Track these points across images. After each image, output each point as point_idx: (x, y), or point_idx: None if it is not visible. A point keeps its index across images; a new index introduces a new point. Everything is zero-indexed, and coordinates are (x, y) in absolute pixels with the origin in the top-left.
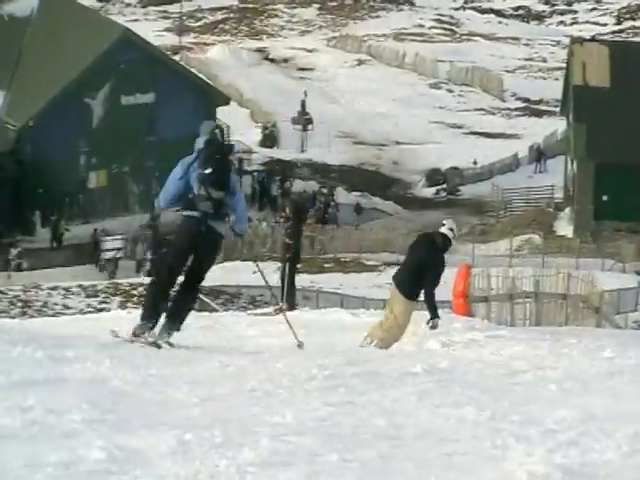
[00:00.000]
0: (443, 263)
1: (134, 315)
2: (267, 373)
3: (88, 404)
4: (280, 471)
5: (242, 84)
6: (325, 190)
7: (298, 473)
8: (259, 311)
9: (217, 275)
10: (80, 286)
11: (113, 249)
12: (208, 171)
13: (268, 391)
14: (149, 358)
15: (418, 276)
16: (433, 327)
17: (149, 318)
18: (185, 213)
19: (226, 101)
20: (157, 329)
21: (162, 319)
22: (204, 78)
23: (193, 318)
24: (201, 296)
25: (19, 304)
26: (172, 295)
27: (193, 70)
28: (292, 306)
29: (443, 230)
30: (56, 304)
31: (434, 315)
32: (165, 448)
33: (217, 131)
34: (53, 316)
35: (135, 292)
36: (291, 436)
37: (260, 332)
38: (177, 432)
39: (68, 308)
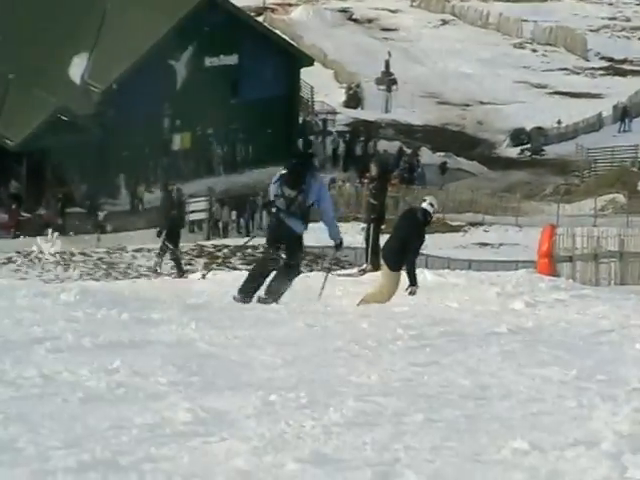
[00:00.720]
0: (423, 236)
1: (219, 277)
2: (352, 334)
3: (174, 366)
4: (365, 431)
5: (326, 45)
6: (409, 150)
7: (383, 433)
8: (344, 272)
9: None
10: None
11: (198, 211)
12: (283, 172)
13: (353, 352)
14: (234, 320)
15: (401, 251)
16: (411, 293)
17: (245, 295)
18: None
19: (310, 62)
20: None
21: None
22: (288, 39)
23: None
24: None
25: (103, 266)
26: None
27: (277, 31)
28: (376, 267)
29: (424, 205)
30: (140, 266)
31: (413, 283)
32: (251, 409)
33: (300, 140)
34: (137, 278)
35: (219, 254)
36: (376, 396)
37: (344, 293)
38: (262, 393)
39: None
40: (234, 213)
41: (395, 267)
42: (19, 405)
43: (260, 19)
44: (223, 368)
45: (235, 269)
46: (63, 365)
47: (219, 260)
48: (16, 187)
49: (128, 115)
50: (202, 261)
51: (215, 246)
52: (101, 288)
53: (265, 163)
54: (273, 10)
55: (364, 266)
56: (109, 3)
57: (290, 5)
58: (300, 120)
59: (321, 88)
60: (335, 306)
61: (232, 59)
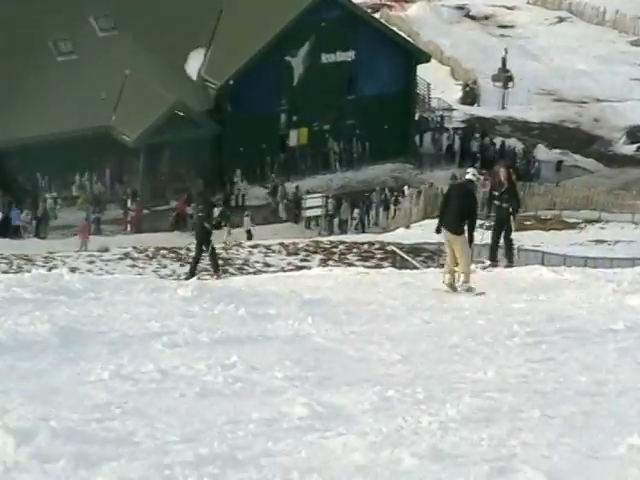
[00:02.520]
0: (476, 201)
1: (335, 273)
2: (469, 330)
3: (290, 361)
4: (482, 427)
5: (442, 41)
6: (525, 147)
7: (500, 429)
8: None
9: (417, 233)
10: (281, 244)
11: (314, 207)
12: None
13: (470, 348)
14: (351, 315)
15: (462, 217)
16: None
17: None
18: None
19: (426, 59)
20: None
21: None
22: (404, 35)
23: (396, 275)
24: (401, 253)
25: (220, 262)
26: None
27: (393, 27)
28: (495, 262)
29: (468, 177)
30: (257, 262)
31: (472, 240)
32: (367, 404)
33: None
34: (254, 274)
35: (335, 250)
36: (493, 392)
37: (461, 289)
38: (379, 389)
39: (269, 266)
40: (355, 211)
41: (460, 231)
42: (137, 399)
43: (377, 15)
44: (340, 363)
45: (351, 265)
46: (180, 360)
47: (335, 257)
48: (133, 183)
49: (244, 111)
50: (318, 257)
51: (331, 242)
52: (218, 284)
53: (382, 159)
54: (390, 7)
55: (486, 263)
56: None
57: (407, 2)
58: (416, 117)
59: (437, 85)
60: (452, 302)
61: (348, 55)
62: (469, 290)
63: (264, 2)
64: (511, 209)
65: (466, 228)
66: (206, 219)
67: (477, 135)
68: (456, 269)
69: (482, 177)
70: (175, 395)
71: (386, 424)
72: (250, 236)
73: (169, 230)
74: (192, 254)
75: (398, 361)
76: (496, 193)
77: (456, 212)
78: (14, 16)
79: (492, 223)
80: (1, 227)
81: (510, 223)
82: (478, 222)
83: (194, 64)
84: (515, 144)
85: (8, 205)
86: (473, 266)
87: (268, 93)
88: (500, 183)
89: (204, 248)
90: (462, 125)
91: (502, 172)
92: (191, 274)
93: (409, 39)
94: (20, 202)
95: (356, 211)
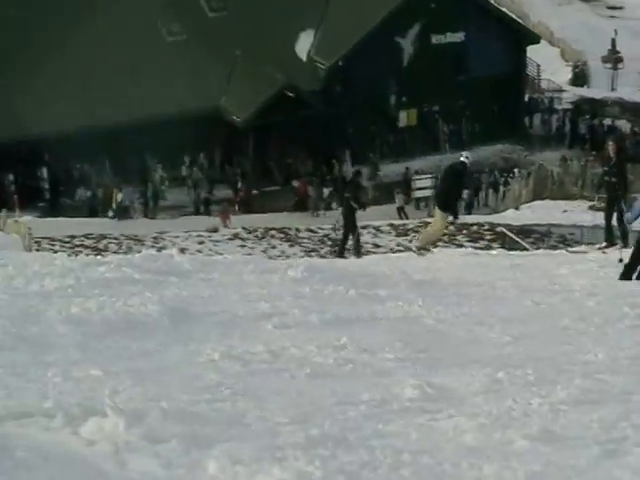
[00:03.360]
0: (462, 183)
1: (444, 255)
2: (579, 311)
3: (401, 342)
4: (593, 409)
5: (552, 22)
6: (635, 129)
7: (611, 411)
8: (577, 248)
9: (527, 214)
10: (391, 225)
11: (424, 188)
12: None
13: (580, 329)
14: (461, 297)
15: (448, 195)
16: (452, 223)
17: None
18: None
19: (536, 40)
20: None
21: None
22: (514, 17)
23: (505, 257)
24: (511, 235)
25: (329, 243)
26: None
27: (503, 9)
28: (612, 243)
29: (462, 159)
30: (366, 242)
31: (455, 216)
32: (478, 386)
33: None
34: (364, 254)
35: (445, 231)
36: (604, 374)
37: (571, 271)
38: (489, 370)
39: (378, 247)
40: (465, 191)
41: (444, 208)
42: (247, 380)
43: None
44: (450, 345)
45: (461, 246)
46: (290, 341)
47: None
48: (242, 163)
49: (354, 92)
50: None
51: None
52: (328, 265)
53: (491, 140)
54: None
55: (603, 244)
56: None
57: None
58: (526, 98)
59: (547, 66)
60: (562, 284)
61: (458, 36)
62: (415, 250)
63: None
64: (619, 191)
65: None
66: (353, 199)
67: (586, 117)
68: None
69: (592, 158)
70: (285, 376)
71: (496, 406)
72: (403, 214)
73: (290, 211)
74: (339, 234)
75: (508, 343)
76: (606, 168)
77: (442, 189)
78: None
79: (602, 204)
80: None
81: (620, 204)
82: (590, 203)
83: (304, 44)
84: (624, 125)
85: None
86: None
87: (378, 74)
88: (609, 158)
89: (350, 228)
90: (571, 107)
91: (611, 146)
92: (340, 254)
93: (519, 20)
94: (129, 182)
95: (465, 192)
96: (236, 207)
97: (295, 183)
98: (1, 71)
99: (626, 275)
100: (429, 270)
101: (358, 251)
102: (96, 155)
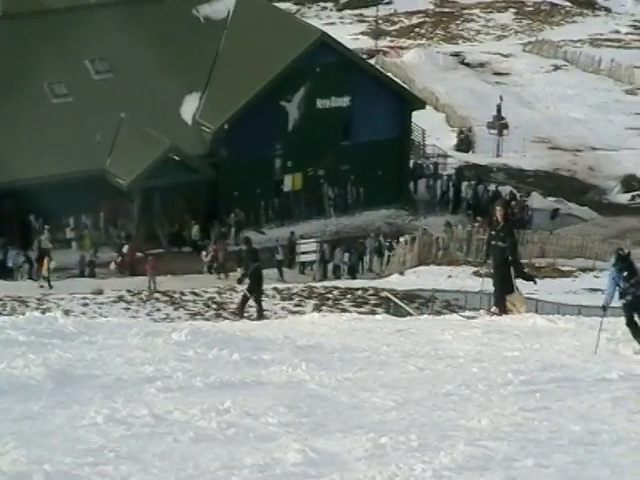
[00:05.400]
0: None
1: (328, 319)
2: (463, 377)
3: (284, 407)
4: (476, 476)
5: (438, 88)
6: (520, 195)
7: (494, 478)
8: (467, 314)
9: (412, 279)
10: (275, 289)
11: (309, 252)
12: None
13: (464, 395)
14: (345, 361)
15: None
16: None
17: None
18: None
19: (422, 105)
20: None
21: None
22: (400, 82)
23: (390, 322)
24: (395, 300)
25: (214, 306)
26: None
27: (389, 74)
28: (503, 311)
29: None
30: (251, 306)
31: None
32: (361, 452)
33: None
34: (247, 319)
35: (330, 295)
36: (487, 441)
37: (455, 336)
38: (373, 435)
39: (264, 311)
40: (345, 255)
41: None
42: (130, 444)
43: (372, 61)
44: (333, 410)
45: (345, 311)
46: (174, 405)
47: (329, 302)
48: (127, 226)
49: (239, 155)
50: (312, 302)
51: (325, 287)
52: (212, 328)
53: (376, 205)
54: (385, 53)
55: (493, 309)
56: (222, 43)
57: (402, 48)
58: (411, 163)
59: (433, 131)
60: (445, 349)
61: (344, 101)
62: None
63: (260, 47)
64: (510, 256)
65: None
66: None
67: (471, 182)
68: None
69: (477, 223)
70: (169, 440)
71: (380, 471)
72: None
73: (201, 272)
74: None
75: (392, 408)
76: (493, 233)
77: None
78: (10, 57)
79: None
80: None
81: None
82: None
83: (189, 108)
84: (509, 191)
85: (3, 247)
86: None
87: (263, 138)
88: (497, 222)
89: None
90: (456, 172)
91: (499, 211)
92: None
93: (404, 85)
94: (13, 244)
95: (346, 256)
96: (113, 268)
97: (210, 246)
98: None
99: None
100: (313, 335)
101: (261, 314)
102: None
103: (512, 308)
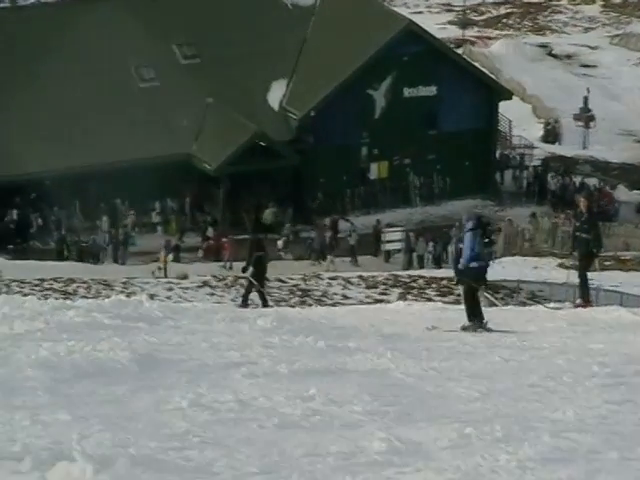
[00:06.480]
0: None
1: (414, 308)
2: (547, 369)
3: (369, 395)
4: (560, 467)
5: (524, 79)
6: (606, 187)
7: (578, 470)
8: (552, 305)
9: (497, 270)
10: (360, 277)
11: (394, 241)
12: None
13: (549, 387)
14: (430, 351)
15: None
16: None
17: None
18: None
19: (508, 96)
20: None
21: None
22: (487, 72)
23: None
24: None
25: (299, 293)
26: None
27: (476, 64)
28: (587, 301)
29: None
30: (335, 294)
31: None
32: (446, 441)
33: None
34: (332, 306)
35: (415, 284)
36: (571, 433)
37: (540, 328)
38: (458, 425)
39: (347, 298)
40: (430, 244)
41: None
42: (215, 429)
43: (459, 51)
44: (418, 399)
45: (430, 300)
46: (259, 391)
47: (414, 291)
48: (212, 211)
49: (326, 142)
50: (397, 291)
51: (410, 276)
52: (297, 315)
53: (462, 195)
54: (473, 43)
55: (578, 301)
56: (309, 30)
57: (490, 38)
58: (497, 154)
59: (519, 122)
60: (531, 341)
61: (430, 90)
62: None
63: (347, 34)
64: (594, 249)
65: None
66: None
67: (557, 174)
68: None
69: (563, 215)
70: (254, 426)
71: (464, 461)
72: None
73: (306, 258)
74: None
75: (477, 398)
76: (577, 224)
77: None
78: (98, 40)
79: (576, 261)
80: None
81: (590, 259)
82: (560, 260)
83: (276, 94)
84: (595, 183)
85: (88, 229)
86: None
87: (349, 125)
88: (581, 214)
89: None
90: (542, 163)
91: (582, 202)
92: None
93: (491, 76)
94: (99, 227)
95: (430, 244)
96: (201, 254)
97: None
98: None
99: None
100: (399, 323)
101: (265, 304)
102: (66, 199)
103: None
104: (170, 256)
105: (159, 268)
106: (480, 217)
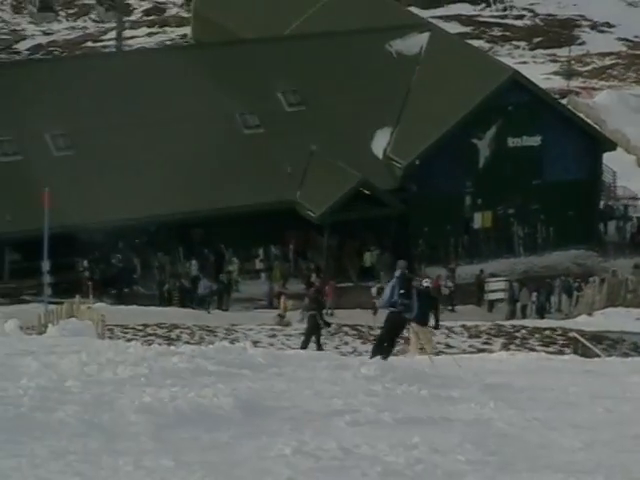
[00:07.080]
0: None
1: (516, 358)
2: None
3: (472, 444)
4: None
5: (629, 130)
6: None
7: None
8: None
9: (600, 320)
10: (463, 326)
11: (497, 290)
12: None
13: None
14: (533, 400)
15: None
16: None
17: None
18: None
19: (612, 146)
20: None
21: None
22: (591, 122)
23: (578, 362)
24: (583, 340)
25: (400, 341)
26: None
27: (580, 114)
28: None
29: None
30: (439, 343)
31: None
32: None
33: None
34: (436, 355)
35: (517, 334)
36: None
37: None
38: (561, 476)
39: (450, 347)
40: (533, 294)
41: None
42: (318, 477)
43: (564, 101)
44: (521, 449)
45: (533, 350)
46: (362, 438)
47: (517, 341)
48: (316, 258)
49: (430, 191)
50: (500, 341)
51: (514, 326)
52: (400, 363)
53: (565, 245)
54: (577, 93)
55: None
56: (414, 78)
57: (594, 89)
58: (601, 204)
59: (623, 173)
60: (634, 392)
61: (535, 140)
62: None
63: (452, 84)
64: None
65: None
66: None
67: None
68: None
69: None
70: (357, 474)
71: None
72: None
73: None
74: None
75: (580, 449)
76: None
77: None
78: (201, 86)
79: None
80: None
81: None
82: None
83: (380, 142)
84: None
85: (194, 276)
86: None
87: (454, 174)
88: None
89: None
90: None
91: None
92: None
93: (595, 126)
94: (204, 273)
95: (534, 295)
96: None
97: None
98: (78, 158)
99: None
100: (501, 373)
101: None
102: (171, 244)
103: None
104: (290, 302)
105: (280, 315)
106: (404, 272)
